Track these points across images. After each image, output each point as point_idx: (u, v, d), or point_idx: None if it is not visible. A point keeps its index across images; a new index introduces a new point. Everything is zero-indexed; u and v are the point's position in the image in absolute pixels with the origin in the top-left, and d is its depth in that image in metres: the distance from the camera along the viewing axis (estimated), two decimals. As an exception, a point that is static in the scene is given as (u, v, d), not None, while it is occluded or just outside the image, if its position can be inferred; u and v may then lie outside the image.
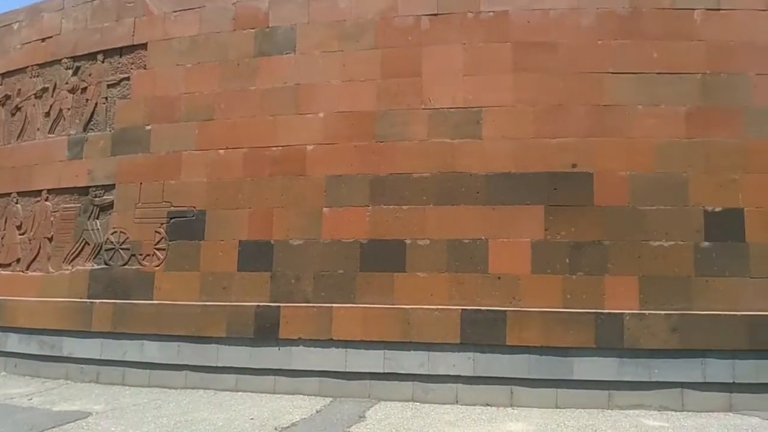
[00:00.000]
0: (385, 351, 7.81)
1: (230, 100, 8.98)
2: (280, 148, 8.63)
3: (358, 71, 8.53)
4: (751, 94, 7.97)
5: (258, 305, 8.26)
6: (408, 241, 8.04)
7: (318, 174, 8.42)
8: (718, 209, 7.78)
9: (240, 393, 8.08)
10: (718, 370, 7.54)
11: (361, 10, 8.66)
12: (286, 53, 8.84)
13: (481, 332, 7.66)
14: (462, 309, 7.75)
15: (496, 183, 8.02)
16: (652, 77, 7.98)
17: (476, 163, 8.09)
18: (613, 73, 8.01)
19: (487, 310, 7.72)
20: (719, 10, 8.12)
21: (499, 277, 7.83)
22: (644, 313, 7.60)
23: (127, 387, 8.56)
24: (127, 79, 9.64)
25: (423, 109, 8.29)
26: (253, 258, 8.44)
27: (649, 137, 7.89)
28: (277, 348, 8.14)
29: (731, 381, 7.54)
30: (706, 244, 7.73)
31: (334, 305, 8.02)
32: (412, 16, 8.49)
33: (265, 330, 8.17)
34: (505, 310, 7.68)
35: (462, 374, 7.66)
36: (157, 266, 8.88)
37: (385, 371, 7.79)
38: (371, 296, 8.00)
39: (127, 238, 9.12)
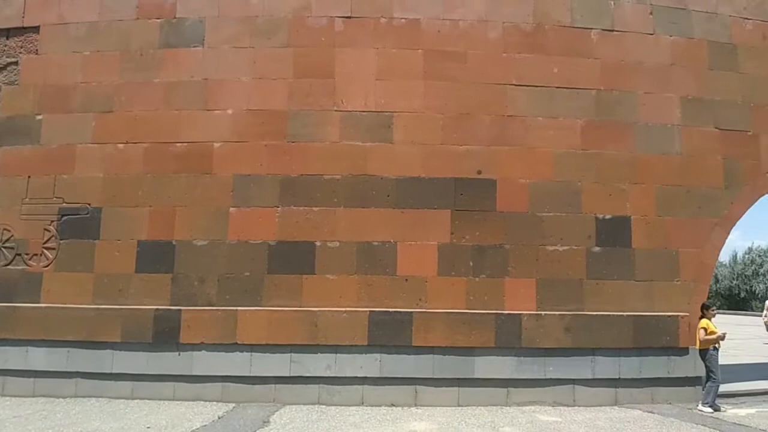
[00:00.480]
0: (292, 354, 7.70)
1: (132, 91, 8.51)
2: (185, 144, 8.28)
3: (269, 69, 8.37)
4: (640, 111, 8.64)
5: (157, 309, 7.86)
6: (318, 243, 7.99)
7: (225, 172, 8.17)
8: (608, 217, 8.36)
9: (136, 401, 7.66)
10: (606, 367, 8.09)
11: (274, 8, 8.51)
12: (194, 46, 8.51)
13: (389, 333, 7.75)
14: (370, 311, 7.80)
15: (405, 187, 8.15)
16: (552, 91, 8.45)
17: (387, 166, 8.19)
18: (516, 85, 8.39)
19: (395, 311, 7.82)
20: (613, 31, 8.74)
21: (407, 279, 7.97)
22: (540, 314, 8.01)
23: (7, 398, 7.86)
24: (15, 63, 8.88)
25: (335, 110, 8.27)
26: (153, 259, 8.04)
27: (548, 147, 8.34)
28: (177, 353, 7.79)
29: (617, 377, 8.12)
30: (597, 249, 8.29)
31: (239, 308, 7.80)
32: (325, 17, 8.45)
33: (164, 334, 7.80)
34: (412, 312, 7.82)
35: (369, 375, 7.71)
36: (46, 267, 8.24)
37: (292, 375, 7.68)
38: (279, 299, 7.86)
39: (12, 235, 8.39)
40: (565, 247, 8.22)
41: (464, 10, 8.49)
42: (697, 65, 8.92)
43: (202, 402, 7.60)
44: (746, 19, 9.25)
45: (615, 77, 8.62)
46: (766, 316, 17.04)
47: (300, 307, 7.83)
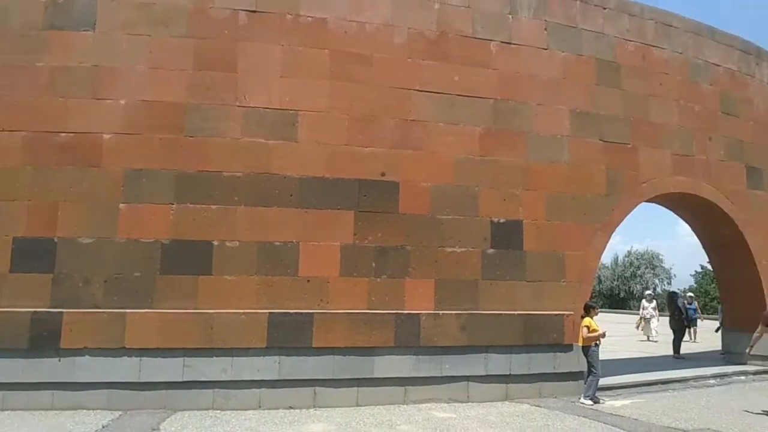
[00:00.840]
0: (186, 358, 7.38)
1: (11, 75, 7.77)
2: (71, 134, 7.69)
3: (167, 59, 7.97)
4: (533, 121, 9.14)
5: (35, 311, 7.23)
6: (216, 243, 7.71)
7: (115, 166, 7.67)
8: (502, 220, 8.77)
9: (8, 411, 6.99)
10: (498, 363, 8.47)
11: (174, -5, 8.13)
12: (84, 30, 7.92)
13: (288, 335, 7.64)
14: (270, 312, 7.64)
15: (309, 186, 8.08)
16: (453, 98, 8.73)
17: (291, 165, 8.07)
18: (420, 90, 8.59)
19: (296, 312, 7.72)
20: (511, 44, 9.18)
21: (309, 280, 7.90)
22: (438, 314, 8.25)
23: None
24: None
25: (238, 106, 8.04)
26: (30, 257, 7.38)
27: (448, 152, 8.60)
28: (57, 359, 7.20)
29: (508, 373, 8.53)
30: (492, 251, 8.66)
31: (128, 311, 7.35)
32: (229, 9, 8.19)
33: (43, 339, 7.18)
34: (313, 313, 7.76)
35: (267, 378, 7.55)
36: None
37: (185, 380, 7.35)
38: (172, 301, 7.50)
39: None
40: (463, 249, 8.52)
41: (371, 13, 8.56)
42: (586, 81, 9.59)
43: (85, 411, 7.08)
44: (628, 40, 10.08)
45: (511, 88, 9.07)
46: (641, 316, 18.25)
47: (195, 309, 7.52)
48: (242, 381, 7.49)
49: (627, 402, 8.52)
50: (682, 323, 13.47)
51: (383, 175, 8.33)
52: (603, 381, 8.85)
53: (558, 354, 8.82)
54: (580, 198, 9.29)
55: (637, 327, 18.31)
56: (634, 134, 9.90)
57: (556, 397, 8.65)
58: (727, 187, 11.07)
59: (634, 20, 10.22)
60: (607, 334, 8.81)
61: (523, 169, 8.99)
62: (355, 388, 7.83)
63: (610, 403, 8.34)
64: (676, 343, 13.37)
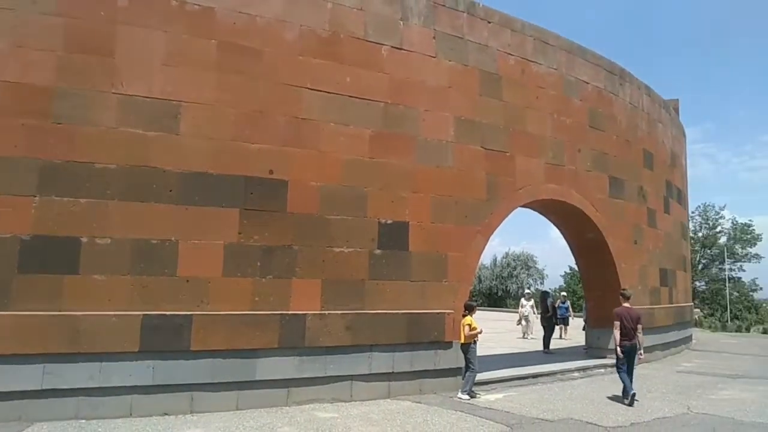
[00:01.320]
0: (46, 365, 6.74)
1: None
2: None
3: (33, 37, 7.24)
4: (421, 126, 9.41)
5: None
6: (84, 239, 7.13)
7: (-34, 152, 6.86)
8: (389, 221, 8.94)
9: None
10: (382, 362, 8.62)
11: (42, -32, 7.41)
12: (-69, -3, 7.01)
13: (164, 338, 7.24)
14: (144, 314, 7.20)
15: (191, 182, 7.71)
16: (345, 99, 8.76)
17: (171, 159, 7.65)
18: (311, 89, 8.52)
19: (173, 314, 7.34)
20: (401, 49, 9.39)
21: (188, 280, 7.54)
22: (324, 313, 8.24)
23: None
24: None
25: (114, 93, 7.48)
26: None
27: (338, 153, 8.62)
28: None
29: (391, 371, 8.71)
30: (379, 251, 8.80)
31: (-23, 313, 6.59)
32: (107, -12, 7.62)
33: None
34: (192, 315, 7.42)
35: (139, 384, 7.10)
36: None
37: (45, 388, 6.72)
38: (33, 302, 6.82)
39: None
40: (351, 249, 8.58)
41: (262, 6, 8.35)
42: (470, 90, 10.05)
43: None
44: (510, 54, 10.70)
45: (401, 92, 9.28)
46: (521, 314, 18.95)
47: (59, 311, 6.90)
48: (112, 387, 6.99)
49: (500, 396, 9.03)
50: (551, 321, 14.53)
51: (271, 172, 8.16)
52: (480, 376, 9.33)
53: (439, 351, 9.16)
54: (462, 201, 9.71)
55: (518, 323, 19.05)
56: (513, 143, 10.53)
57: (435, 393, 8.98)
58: (592, 196, 12.11)
59: (515, 35, 10.87)
60: (483, 331, 9.30)
61: (410, 172, 9.23)
62: (236, 392, 7.60)
63: (485, 397, 8.80)
64: (546, 339, 14.42)
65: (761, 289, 50.30)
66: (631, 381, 8.74)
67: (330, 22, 8.79)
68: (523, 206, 11.36)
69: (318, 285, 8.29)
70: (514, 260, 48.91)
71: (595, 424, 7.25)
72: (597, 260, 12.82)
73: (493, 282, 48.09)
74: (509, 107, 10.57)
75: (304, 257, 8.23)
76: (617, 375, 9.02)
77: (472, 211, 9.83)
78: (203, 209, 7.73)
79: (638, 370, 12.14)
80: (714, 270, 48.16)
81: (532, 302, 19.05)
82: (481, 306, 19.88)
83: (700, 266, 49.05)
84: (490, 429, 6.94)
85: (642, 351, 9.14)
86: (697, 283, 48.22)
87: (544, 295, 15.37)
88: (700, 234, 48.35)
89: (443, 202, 9.50)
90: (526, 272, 48.53)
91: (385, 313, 8.70)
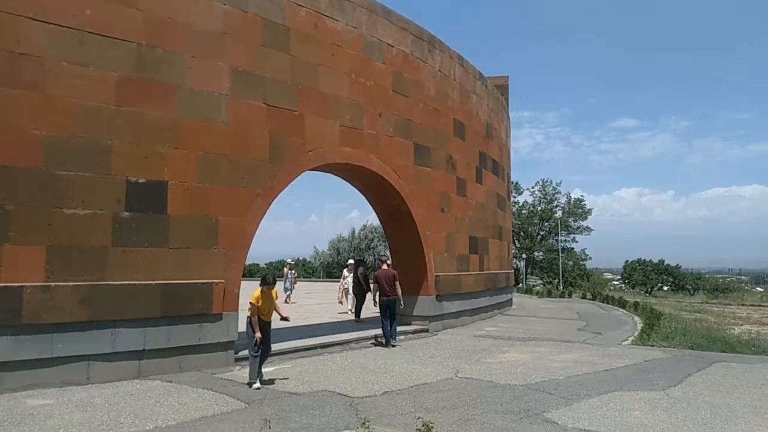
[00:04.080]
0: None
1: None
2: None
3: None
4: (186, 75, 8.36)
5: None
6: None
7: None
8: (142, 180, 7.86)
9: None
10: (129, 339, 7.61)
11: None
12: None
13: None
14: None
15: None
16: (83, 35, 7.45)
17: None
18: (34, 19, 7.11)
19: None
20: (164, -15, 8.23)
21: None
22: (50, 285, 7.03)
23: None
24: None
25: None
26: None
27: (72, 97, 7.33)
28: None
29: (142, 348, 7.74)
30: (127, 214, 7.71)
31: None
32: None
33: None
34: None
35: None
36: None
37: None
38: None
39: None
40: (88, 211, 7.40)
41: None
42: (250, 39, 9.15)
43: None
44: (300, 5, 9.93)
45: (160, 34, 8.13)
46: (341, 286, 17.13)
47: None
48: None
49: (272, 369, 8.43)
50: (362, 289, 14.30)
51: (-22, 117, 6.71)
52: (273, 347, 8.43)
53: (205, 325, 8.34)
54: (238, 161, 8.87)
55: (340, 301, 17.07)
56: (302, 101, 9.85)
57: (200, 370, 8.18)
58: (395, 162, 11.87)
59: (308, -14, 10.12)
60: (286, 316, 8.07)
61: (171, 126, 8.18)
62: None
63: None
64: (358, 308, 14.19)
65: (590, 258, 55.84)
66: (393, 327, 10.91)
67: (61, -59, 7.39)
68: (319, 170, 10.83)
69: (41, 252, 7.05)
70: (371, 232, 49.43)
71: (346, 395, 6.88)
72: (402, 228, 12.70)
73: (351, 254, 48.29)
74: (299, 63, 9.84)
75: (21, 219, 6.92)
76: (413, 342, 9.63)
77: (251, 173, 9.04)
78: None
79: (438, 336, 12.43)
80: (551, 241, 52.39)
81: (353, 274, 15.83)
82: (338, 278, 17.40)
83: (539, 237, 53.15)
84: (224, 407, 6.28)
85: (403, 303, 11.39)
86: (536, 253, 52.28)
87: (357, 263, 15.08)
88: (539, 208, 52.27)
89: (214, 161, 8.59)
90: (384, 244, 49.29)
91: (135, 284, 7.68)
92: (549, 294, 32.49)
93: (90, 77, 7.50)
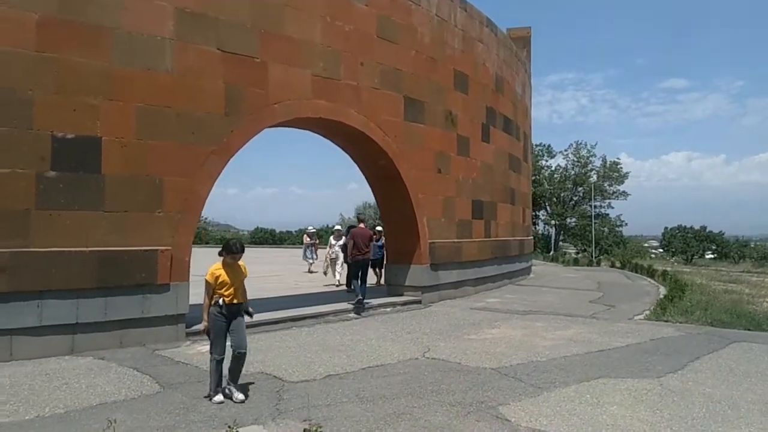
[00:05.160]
0: None
1: None
2: None
3: None
4: (121, 16, 7.40)
5: None
6: None
7: None
8: (70, 136, 7.02)
9: None
10: (60, 311, 6.90)
11: None
12: None
13: None
14: None
15: None
16: (-9, -31, 6.57)
17: None
18: (-71, -51, 6.26)
19: None
20: None
21: None
22: (-38, 253, 6.35)
23: None
24: None
25: None
26: None
27: (-19, 41, 6.51)
28: None
29: (75, 322, 7.04)
30: (53, 173, 6.91)
31: None
32: None
33: None
34: None
35: None
36: None
37: None
38: None
39: None
40: (6, 170, 6.63)
41: None
42: (199, -24, 8.10)
43: None
44: (261, -62, 8.78)
45: (88, -31, 7.18)
46: (327, 256, 15.78)
47: None
48: None
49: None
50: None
51: None
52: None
53: (149, 296, 7.58)
54: (187, 115, 7.95)
55: (325, 273, 15.80)
56: (265, 48, 8.80)
57: (144, 345, 7.46)
58: (381, 117, 10.75)
59: None
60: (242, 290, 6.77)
61: (104, 74, 7.28)
62: None
63: (199, 349, 7.35)
64: (349, 278, 13.28)
65: (626, 224, 53.47)
66: (363, 286, 10.59)
67: None
68: (288, 125, 9.84)
69: (-51, 216, 6.34)
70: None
71: (280, 379, 6.02)
72: (392, 191, 11.64)
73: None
74: (260, 3, 8.76)
75: (-76, 179, 6.21)
76: (398, 315, 10.31)
77: (203, 128, 8.11)
78: None
79: (431, 308, 11.48)
80: (585, 207, 50.20)
81: (342, 241, 14.37)
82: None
83: (572, 203, 51.02)
84: (134, 392, 5.50)
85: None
86: (569, 220, 50.28)
87: (350, 229, 14.01)
88: (572, 172, 49.99)
89: (157, 115, 7.69)
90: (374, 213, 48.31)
91: (64, 251, 6.93)
92: (576, 262, 31.01)
93: (5, 18, 6.63)
